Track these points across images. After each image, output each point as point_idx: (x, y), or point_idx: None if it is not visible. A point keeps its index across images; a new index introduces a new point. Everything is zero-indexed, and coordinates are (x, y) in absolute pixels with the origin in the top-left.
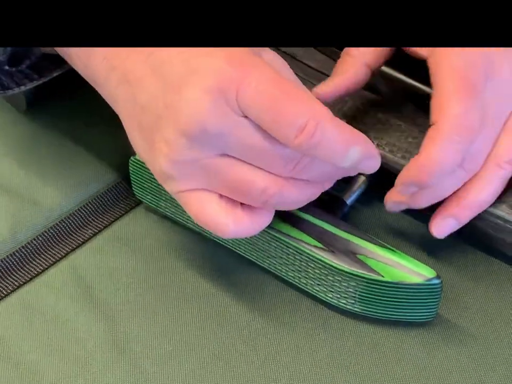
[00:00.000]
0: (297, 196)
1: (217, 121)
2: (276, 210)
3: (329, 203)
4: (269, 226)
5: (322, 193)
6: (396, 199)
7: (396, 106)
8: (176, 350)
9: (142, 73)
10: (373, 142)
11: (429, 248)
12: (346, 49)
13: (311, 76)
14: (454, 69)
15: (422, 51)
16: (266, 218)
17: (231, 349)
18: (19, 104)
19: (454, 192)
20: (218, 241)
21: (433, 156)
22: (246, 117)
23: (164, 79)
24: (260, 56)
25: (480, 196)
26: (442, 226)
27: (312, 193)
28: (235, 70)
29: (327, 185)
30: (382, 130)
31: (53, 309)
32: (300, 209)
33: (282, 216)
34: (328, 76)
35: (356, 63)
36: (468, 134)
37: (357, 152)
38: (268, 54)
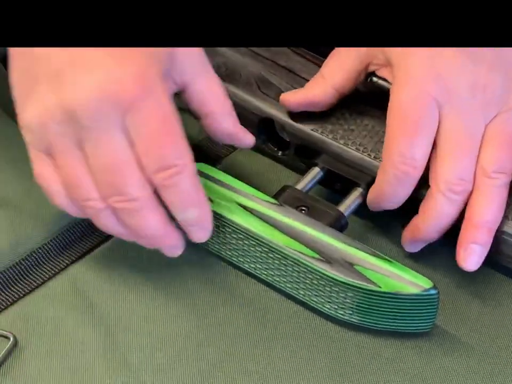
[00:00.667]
0: (108, 225)
1: (94, 118)
2: (272, 223)
3: (327, 215)
4: (266, 238)
5: (320, 204)
6: (409, 239)
7: (364, 105)
8: (175, 361)
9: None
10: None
11: (427, 259)
12: (322, 68)
13: None
14: (399, 106)
15: (387, 77)
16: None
17: (229, 360)
18: None
19: (464, 219)
20: (217, 252)
21: (382, 189)
22: (123, 131)
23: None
24: (165, 77)
25: (486, 212)
26: (468, 257)
27: (121, 233)
28: (135, 86)
29: (139, 240)
30: (349, 130)
31: (52, 320)
32: (298, 221)
33: (280, 228)
34: None
35: (325, 84)
36: (412, 168)
37: (193, 214)
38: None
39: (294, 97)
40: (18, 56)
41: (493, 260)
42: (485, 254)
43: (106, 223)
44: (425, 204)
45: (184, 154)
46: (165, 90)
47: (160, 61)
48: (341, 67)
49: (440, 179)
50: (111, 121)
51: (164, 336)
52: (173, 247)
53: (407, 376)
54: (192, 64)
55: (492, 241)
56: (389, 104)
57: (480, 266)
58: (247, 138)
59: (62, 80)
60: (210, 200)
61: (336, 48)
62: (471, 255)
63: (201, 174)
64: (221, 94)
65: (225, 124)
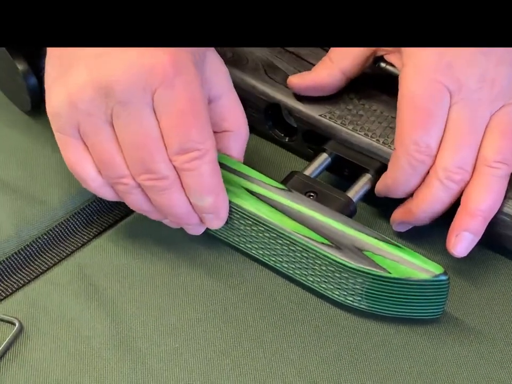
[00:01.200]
0: (139, 202)
1: (129, 93)
2: (280, 209)
3: (336, 201)
4: (274, 224)
5: (328, 190)
6: (399, 220)
7: (372, 90)
8: (182, 347)
9: None
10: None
11: (435, 245)
12: (330, 52)
13: None
14: (411, 95)
15: (396, 62)
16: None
17: (237, 346)
18: (24, 104)
19: (460, 205)
20: (224, 239)
21: (396, 177)
22: (153, 109)
23: None
24: (196, 66)
25: (483, 201)
26: (458, 243)
27: (150, 210)
28: (169, 64)
29: (165, 218)
30: (358, 116)
31: (58, 307)
32: (307, 206)
33: (289, 214)
34: None
35: (333, 68)
36: (428, 157)
37: (209, 201)
38: (211, 54)
39: (301, 80)
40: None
41: (502, 246)
42: (476, 242)
43: (136, 200)
44: (422, 189)
45: (207, 140)
46: (197, 76)
47: (194, 55)
48: (348, 51)
49: (439, 166)
50: (144, 96)
51: (171, 323)
52: (197, 225)
53: (417, 363)
54: (220, 81)
55: (484, 230)
56: (400, 93)
57: (490, 253)
58: None
59: (99, 60)
60: None
61: None
62: (462, 241)
63: None
64: (242, 117)
65: (235, 145)
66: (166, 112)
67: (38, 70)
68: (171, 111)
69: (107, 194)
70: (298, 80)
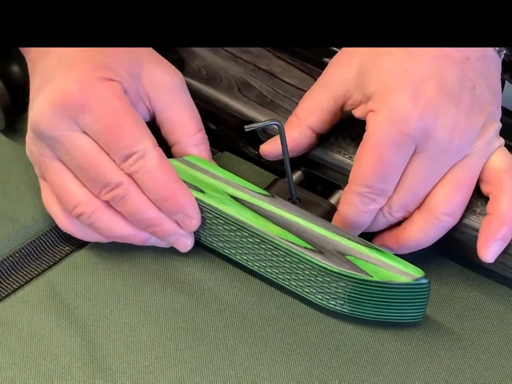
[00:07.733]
0: (109, 225)
1: (52, 128)
2: (264, 214)
3: (319, 207)
4: (258, 229)
5: (311, 197)
6: None
7: None
8: (153, 365)
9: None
10: None
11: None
12: (296, 109)
13: (290, 93)
14: (376, 144)
15: (362, 114)
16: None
17: (208, 364)
18: None
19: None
20: (209, 244)
21: (347, 215)
22: (84, 132)
23: (41, 77)
24: (109, 83)
25: (418, 241)
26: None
27: (127, 232)
28: (80, 93)
29: (148, 230)
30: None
31: (28, 325)
32: (290, 212)
33: (272, 219)
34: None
35: (301, 125)
36: (375, 197)
37: (166, 196)
38: (150, 68)
39: (275, 147)
40: None
41: (472, 261)
42: None
43: (107, 223)
44: None
45: (141, 140)
46: (111, 89)
47: (113, 70)
48: (315, 108)
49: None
50: (68, 125)
51: (141, 341)
52: (178, 234)
53: (397, 367)
54: (159, 95)
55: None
56: (366, 135)
57: (458, 268)
58: None
59: (31, 104)
60: (202, 191)
61: (309, 91)
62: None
63: (192, 166)
64: (190, 125)
65: (194, 152)
66: (95, 132)
67: (12, 89)
68: (98, 130)
69: (80, 233)
70: (272, 148)
